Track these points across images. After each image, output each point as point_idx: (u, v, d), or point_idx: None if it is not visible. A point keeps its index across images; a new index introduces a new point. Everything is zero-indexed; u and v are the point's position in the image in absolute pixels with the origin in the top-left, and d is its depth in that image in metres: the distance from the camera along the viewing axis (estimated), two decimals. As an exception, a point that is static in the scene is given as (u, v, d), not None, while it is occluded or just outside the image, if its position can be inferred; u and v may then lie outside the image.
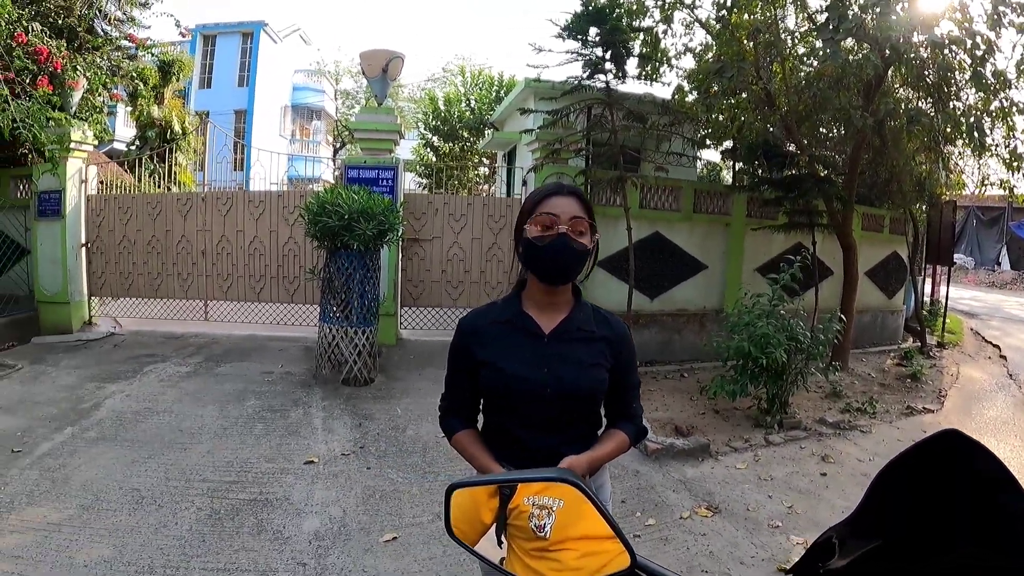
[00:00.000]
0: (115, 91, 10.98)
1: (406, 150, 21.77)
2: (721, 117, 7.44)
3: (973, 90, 7.11)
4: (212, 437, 4.93)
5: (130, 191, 9.36)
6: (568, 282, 1.71)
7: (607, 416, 1.83)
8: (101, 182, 8.94)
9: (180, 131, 13.86)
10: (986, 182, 9.13)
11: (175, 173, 12.25)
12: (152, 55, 12.48)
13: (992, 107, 7.19)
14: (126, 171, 11.07)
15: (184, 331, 8.24)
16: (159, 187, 10.84)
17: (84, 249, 8.40)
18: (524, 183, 8.31)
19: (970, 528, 0.88)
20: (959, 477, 0.87)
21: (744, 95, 7.39)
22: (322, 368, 6.54)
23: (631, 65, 7.49)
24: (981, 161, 8.98)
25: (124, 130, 17.23)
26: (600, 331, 1.73)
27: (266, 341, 7.99)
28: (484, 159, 18.91)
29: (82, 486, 4.00)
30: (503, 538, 1.31)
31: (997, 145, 7.58)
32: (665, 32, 8.18)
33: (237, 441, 4.89)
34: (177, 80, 14.45)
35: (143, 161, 11.03)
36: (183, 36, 12.95)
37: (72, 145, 7.91)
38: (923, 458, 0.89)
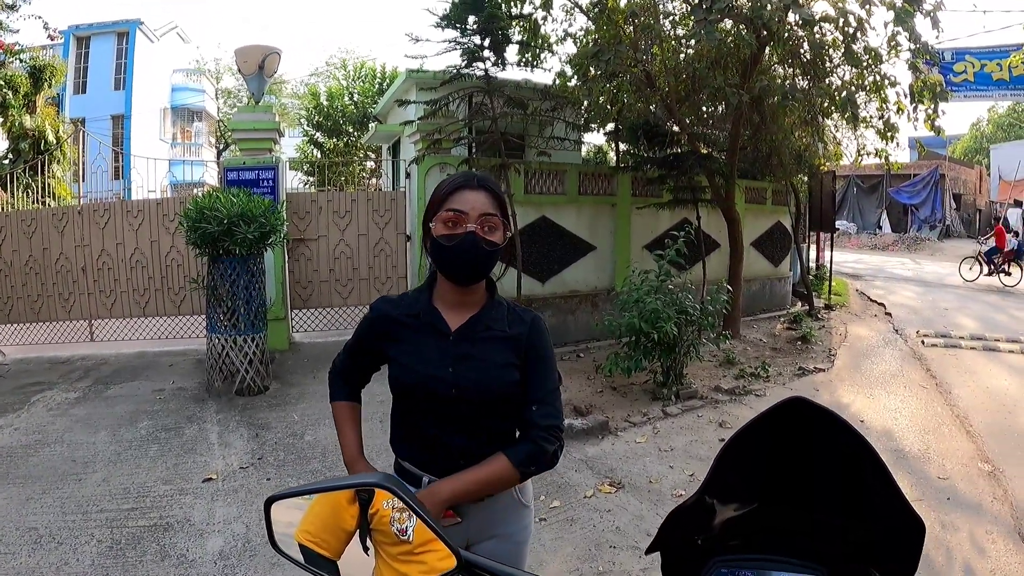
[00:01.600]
0: (-17, 102, 10.24)
1: (290, 148, 21.22)
2: (602, 100, 7.56)
3: (847, 66, 7.48)
4: (106, 464, 4.69)
5: (3, 209, 8.72)
6: (478, 282, 1.62)
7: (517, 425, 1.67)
8: (-28, 201, 8.31)
9: (54, 141, 13.09)
10: (862, 152, 9.67)
11: (51, 186, 11.49)
12: (21, 61, 11.75)
13: (866, 82, 7.59)
14: (-1, 188, 10.33)
15: (71, 354, 7.75)
16: (35, 203, 10.15)
17: (-42, 275, 7.76)
18: (408, 175, 8.22)
19: (829, 490, 0.91)
20: (811, 442, 0.89)
21: (624, 77, 7.54)
22: (214, 380, 6.30)
23: (511, 52, 7.53)
24: (857, 132, 9.51)
25: (-6, 143, 16.03)
26: (512, 330, 1.63)
27: (156, 357, 7.63)
28: (370, 153, 18.61)
29: None
30: (368, 543, 1.28)
31: (871, 117, 8.04)
32: (545, 18, 8.25)
33: (132, 465, 4.68)
34: (50, 86, 13.66)
35: (16, 176, 10.31)
36: (53, 39, 12.17)
37: (-61, 162, 7.29)
38: (772, 425, 0.90)
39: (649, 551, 1.02)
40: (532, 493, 1.81)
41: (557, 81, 8.03)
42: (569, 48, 11.59)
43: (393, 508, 1.18)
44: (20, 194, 10.14)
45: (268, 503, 1.09)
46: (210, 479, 4.47)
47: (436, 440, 1.60)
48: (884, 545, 0.88)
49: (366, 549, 1.26)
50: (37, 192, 10.31)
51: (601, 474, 4.69)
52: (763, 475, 0.94)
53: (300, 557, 1.13)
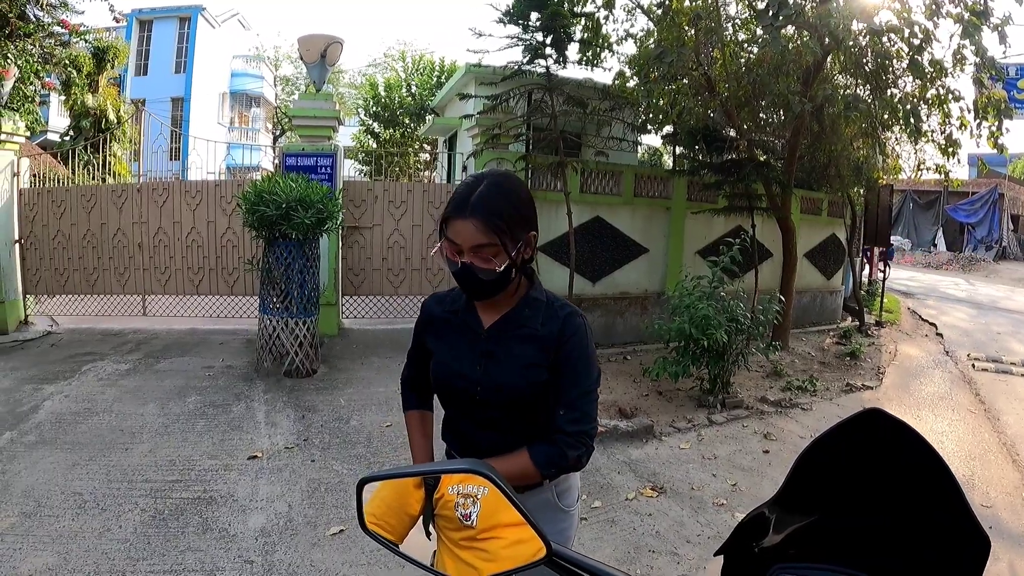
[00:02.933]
0: (48, 79, 10.57)
1: (346, 137, 21.42)
2: (661, 102, 7.50)
3: (910, 77, 7.28)
4: (153, 436, 4.79)
5: (64, 184, 9.00)
6: (490, 298, 1.58)
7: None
8: (34, 175, 8.60)
9: (115, 120, 13.46)
10: (922, 167, 9.41)
11: (110, 164, 11.84)
12: (86, 41, 12.08)
13: (929, 95, 7.38)
14: (59, 163, 10.67)
15: (122, 327, 7.99)
16: (94, 179, 10.46)
17: (18, 245, 8.04)
18: (464, 169, 8.28)
19: (895, 504, 0.90)
20: (883, 454, 0.88)
21: (684, 80, 7.46)
22: (263, 361, 6.41)
23: (572, 50, 7.50)
24: (917, 147, 9.25)
25: (57, 120, 16.60)
26: (544, 328, 1.57)
27: (206, 335, 7.80)
28: (425, 145, 18.71)
29: (23, 493, 3.84)
30: (431, 528, 1.29)
31: (933, 131, 7.79)
32: (607, 18, 8.22)
33: (179, 439, 4.77)
34: (112, 67, 14.02)
35: (77, 152, 10.63)
36: (118, 22, 12.49)
37: (3, 137, 7.55)
38: (847, 436, 0.89)
39: (717, 553, 1.02)
40: (576, 499, 1.77)
41: (616, 81, 7.98)
42: (629, 48, 11.54)
43: (458, 494, 1.18)
44: (80, 170, 10.46)
45: (361, 484, 1.10)
46: (255, 457, 4.54)
47: (468, 435, 1.63)
48: (946, 559, 0.86)
49: (428, 534, 1.26)
50: (96, 169, 10.62)
51: (644, 477, 4.65)
52: (828, 485, 0.93)
53: (390, 541, 1.14)
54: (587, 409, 1.55)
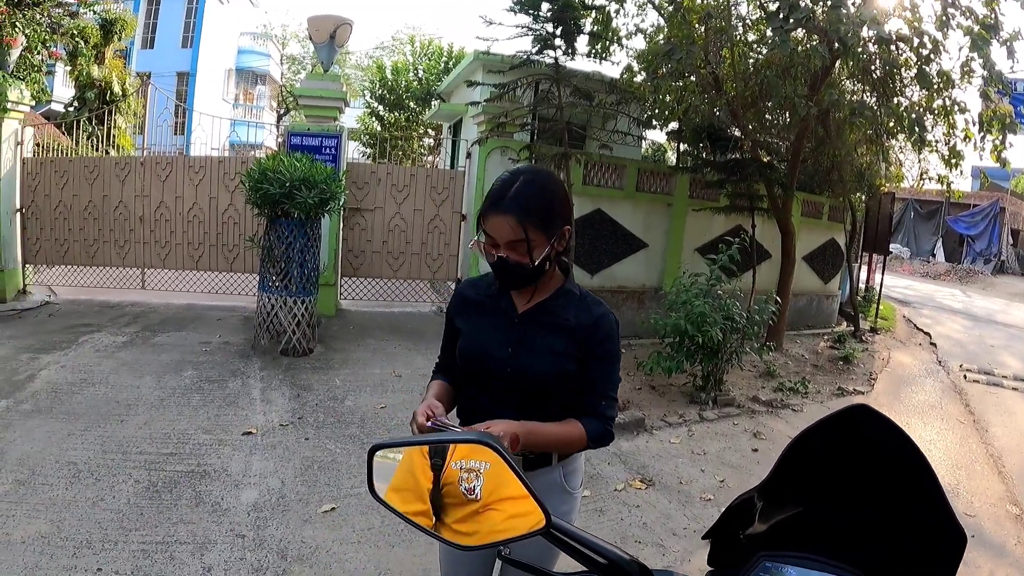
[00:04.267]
0: (54, 49, 10.53)
1: (351, 118, 21.33)
2: (668, 98, 7.52)
3: (917, 87, 7.31)
4: (149, 408, 4.82)
5: (67, 154, 8.98)
6: (525, 288, 1.66)
7: (574, 410, 1.70)
8: (37, 144, 8.57)
9: (120, 93, 13.41)
10: (925, 176, 9.45)
11: (114, 136, 11.81)
12: (94, 13, 12.02)
13: (935, 105, 7.41)
14: (63, 133, 10.65)
15: (121, 300, 7.99)
16: (97, 150, 10.44)
17: (19, 215, 8.03)
18: (468, 156, 8.29)
19: (878, 497, 0.93)
20: (867, 449, 0.92)
21: (692, 78, 7.46)
22: (261, 338, 6.44)
23: (581, 42, 7.46)
24: (921, 156, 9.28)
25: (62, 90, 16.50)
26: (577, 319, 1.65)
27: (204, 310, 7.82)
28: (430, 130, 18.66)
29: (18, 460, 3.87)
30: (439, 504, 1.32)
31: (937, 141, 7.82)
32: (617, 11, 8.17)
33: (174, 412, 4.80)
34: (119, 39, 13.94)
35: (81, 123, 10.61)
36: (126, -7, 12.42)
37: (8, 105, 7.51)
38: (834, 430, 0.93)
39: (705, 537, 1.06)
40: (580, 482, 1.84)
41: (624, 75, 7.98)
42: (638, 43, 11.52)
43: (462, 468, 1.21)
44: (84, 141, 10.44)
45: (372, 452, 1.13)
46: (250, 433, 4.57)
47: (487, 410, 1.65)
48: (925, 552, 0.90)
49: (436, 508, 1.29)
50: (100, 141, 10.59)
51: (633, 469, 4.70)
52: (814, 477, 0.97)
53: (399, 508, 1.16)
54: (615, 398, 1.72)
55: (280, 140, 8.63)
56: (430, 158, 18.79)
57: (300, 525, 3.43)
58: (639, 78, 7.87)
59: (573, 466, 1.79)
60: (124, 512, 3.39)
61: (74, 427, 4.37)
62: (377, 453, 1.14)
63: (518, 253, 1.54)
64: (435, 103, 14.20)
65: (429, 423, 1.46)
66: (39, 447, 4.05)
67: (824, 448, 0.96)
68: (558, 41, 7.13)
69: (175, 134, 16.21)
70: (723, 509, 1.02)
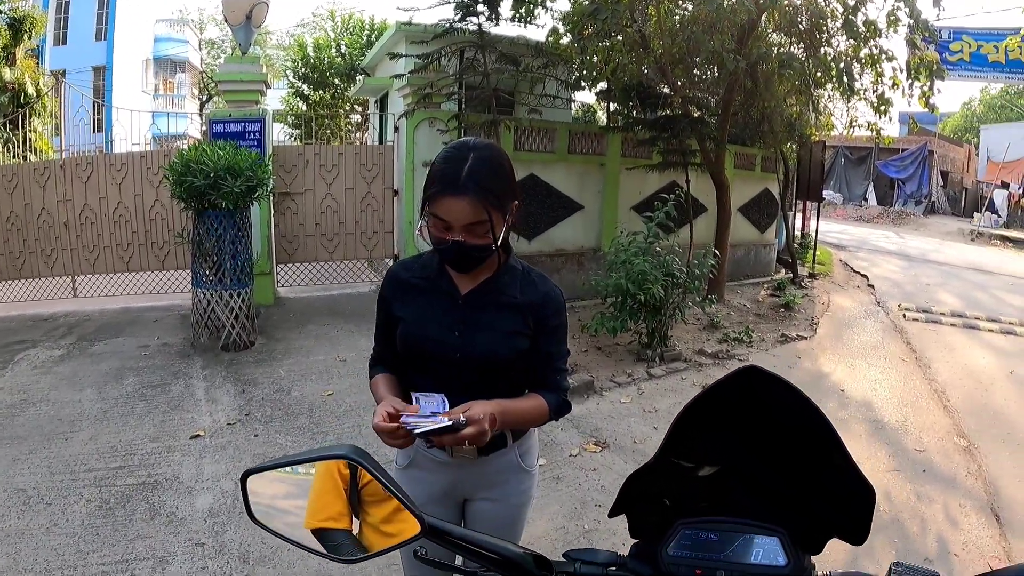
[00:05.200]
0: (-39, 54, 9.95)
1: (275, 100, 20.83)
2: (595, 59, 7.47)
3: (844, 37, 7.42)
4: (93, 422, 4.66)
5: (-17, 165, 8.51)
6: (476, 268, 1.59)
7: (528, 386, 1.70)
8: (-50, 157, 8.10)
9: (34, 94, 12.81)
10: (854, 124, 9.65)
11: (31, 140, 11.26)
12: (1, 12, 11.35)
13: (862, 54, 7.53)
14: (-22, 143, 10.11)
15: (54, 311, 7.63)
16: (15, 157, 9.94)
17: (-62, 235, 7.57)
18: (396, 129, 8.15)
19: (781, 458, 0.95)
20: (764, 409, 0.92)
21: (619, 37, 7.43)
22: (200, 336, 6.28)
23: (505, 7, 7.40)
24: (850, 104, 9.47)
25: (-28, 97, 15.62)
26: (524, 296, 1.62)
27: (140, 313, 7.55)
28: (356, 106, 18.35)
29: None
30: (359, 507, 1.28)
31: (866, 90, 7.97)
32: (541, -27, 8.08)
33: (119, 423, 4.66)
34: (29, 38, 13.35)
35: (-4, 130, 10.10)
36: (35, -10, 11.81)
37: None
38: (728, 393, 0.93)
39: (612, 514, 1.05)
40: (536, 459, 1.83)
41: (550, 38, 7.91)
42: (563, 5, 11.43)
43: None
44: (0, 149, 9.94)
45: (244, 477, 1.09)
46: (198, 436, 4.48)
47: None
48: (838, 509, 0.92)
49: (357, 515, 1.26)
50: (17, 146, 10.11)
51: (586, 433, 4.76)
52: (726, 440, 0.97)
53: (280, 530, 1.12)
54: (567, 369, 1.74)
55: (204, 129, 8.36)
56: (359, 135, 18.47)
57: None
58: (565, 40, 7.80)
59: (528, 444, 1.78)
60: (79, 535, 3.30)
61: (19, 451, 4.20)
62: (251, 478, 1.10)
63: (476, 235, 1.47)
64: (360, 78, 13.89)
65: (411, 427, 1.37)
66: None
67: (722, 412, 0.96)
68: (481, 7, 7.05)
69: (95, 131, 15.55)
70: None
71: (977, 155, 30.27)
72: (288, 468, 1.11)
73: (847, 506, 0.92)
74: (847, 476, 0.89)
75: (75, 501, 3.62)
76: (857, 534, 0.92)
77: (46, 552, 3.15)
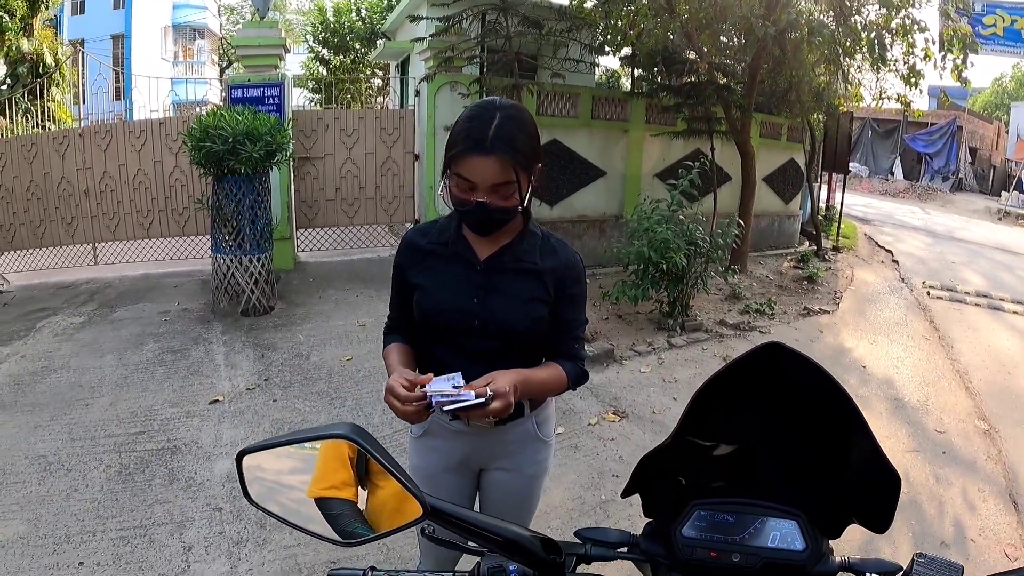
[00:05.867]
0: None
1: (295, 65, 20.74)
2: (620, 23, 7.33)
3: (876, 6, 7.22)
4: (113, 388, 4.70)
5: (3, 135, 8.55)
6: (497, 232, 1.54)
7: (545, 354, 1.66)
8: (-30, 128, 8.14)
9: (53, 64, 12.84)
10: (883, 95, 9.44)
11: (50, 110, 11.32)
12: (19, -17, 11.40)
13: (893, 24, 7.31)
14: (-2, 113, 10.16)
15: (75, 279, 7.71)
16: (35, 127, 9.99)
17: (-39, 203, 7.64)
18: (417, 93, 8.08)
19: (802, 438, 0.92)
20: (788, 388, 0.90)
21: (644, 1, 7.27)
22: (219, 301, 6.31)
23: (529, -32, 7.26)
24: (879, 75, 9.26)
25: (-9, 68, 15.72)
26: (544, 263, 1.58)
27: (160, 279, 7.61)
28: (377, 71, 18.22)
29: None
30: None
31: (896, 61, 7.75)
32: (565, -67, 7.92)
33: (139, 389, 4.69)
34: (46, 8, 13.37)
35: (15, 100, 10.13)
36: (50, -41, 11.78)
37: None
38: (749, 370, 0.90)
39: (625, 494, 1.02)
40: (552, 429, 1.79)
41: (574, 2, 7.76)
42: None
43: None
44: (19, 119, 10.00)
45: (239, 456, 1.04)
46: (217, 401, 4.50)
47: (451, 366, 1.54)
48: (861, 495, 0.89)
49: (363, 488, 1.22)
50: (36, 116, 10.18)
51: (605, 402, 4.72)
52: (747, 417, 0.95)
53: (277, 511, 1.07)
54: (584, 338, 1.74)
55: (223, 95, 8.34)
56: (379, 99, 18.35)
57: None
58: (589, 3, 7.66)
59: (545, 414, 1.75)
60: (99, 500, 3.32)
61: (40, 418, 4.24)
62: (246, 457, 1.05)
63: (501, 196, 1.43)
64: (380, 42, 13.75)
65: (431, 398, 1.34)
66: (7, 444, 3.92)
67: (742, 389, 0.93)
68: (504, -32, 6.90)
69: (114, 100, 15.58)
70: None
71: (1007, 132, 29.54)
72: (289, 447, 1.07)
73: (870, 492, 0.89)
74: (871, 461, 0.86)
75: (95, 467, 3.65)
76: (879, 521, 0.89)
77: (66, 518, 3.17)
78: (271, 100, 7.40)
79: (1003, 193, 23.65)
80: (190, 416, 4.28)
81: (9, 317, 6.46)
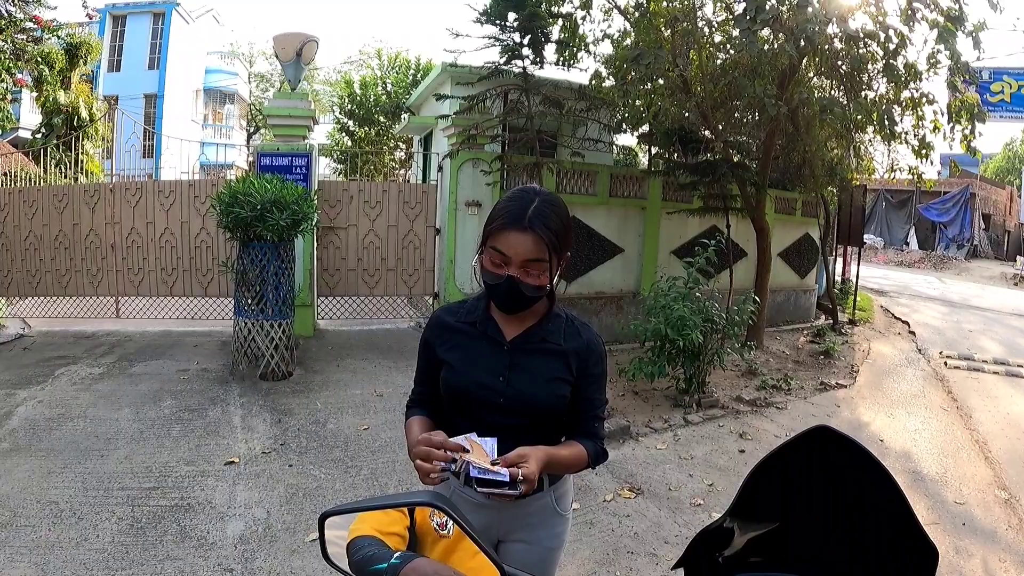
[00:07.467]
0: (19, 76, 10.37)
1: (321, 134, 21.34)
2: (638, 103, 7.54)
3: (885, 80, 7.37)
4: (129, 441, 4.72)
5: (36, 183, 8.82)
6: (522, 312, 1.62)
7: (566, 433, 1.71)
8: (5, 173, 8.42)
9: (88, 117, 13.23)
10: (895, 168, 9.55)
11: (82, 162, 11.65)
12: (59, 37, 11.87)
13: (903, 97, 7.47)
14: (31, 161, 10.48)
15: (96, 329, 7.83)
16: (66, 178, 10.29)
17: (-11, 247, 7.84)
18: (440, 169, 8.28)
19: (848, 514, 0.94)
20: (833, 468, 0.92)
21: (661, 81, 7.49)
22: (239, 363, 6.35)
23: (549, 51, 7.51)
24: (891, 148, 9.39)
25: (29, 116, 16.25)
26: (568, 344, 1.64)
27: (180, 337, 7.69)
28: (400, 144, 18.69)
29: None
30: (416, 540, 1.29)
31: (906, 133, 7.88)
32: (584, 18, 8.18)
33: (155, 444, 4.70)
34: (85, 64, 13.77)
35: (49, 150, 10.45)
36: (91, 17, 12.27)
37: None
38: (797, 453, 0.93)
39: (675, 567, 1.05)
40: (570, 504, 1.83)
41: (593, 82, 8.00)
42: (606, 49, 11.56)
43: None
44: (52, 169, 10.28)
45: (322, 518, 1.10)
46: (232, 462, 4.49)
47: None
48: (898, 569, 0.91)
49: (414, 547, 1.27)
50: (68, 167, 10.44)
51: (621, 479, 4.69)
52: (785, 497, 0.97)
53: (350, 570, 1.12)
54: (604, 417, 1.75)
55: (251, 159, 8.57)
56: (402, 172, 18.74)
57: (288, 555, 3.38)
58: (608, 84, 7.88)
59: (563, 488, 1.79)
60: (109, 551, 3.32)
61: (54, 464, 4.27)
62: (328, 520, 1.10)
63: (532, 274, 1.50)
64: (405, 116, 14.16)
65: (467, 465, 1.33)
66: (19, 487, 3.94)
67: (789, 471, 0.96)
68: (526, 50, 7.15)
69: (144, 157, 16.03)
70: (713, 517, 1.02)
71: (1020, 197, 29.64)
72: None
73: (908, 566, 0.90)
74: (911, 536, 0.88)
75: (107, 517, 3.65)
76: None
77: (74, 566, 3.17)
78: (298, 169, 7.60)
79: (1018, 258, 23.64)
80: (205, 475, 4.28)
81: (29, 361, 6.55)
